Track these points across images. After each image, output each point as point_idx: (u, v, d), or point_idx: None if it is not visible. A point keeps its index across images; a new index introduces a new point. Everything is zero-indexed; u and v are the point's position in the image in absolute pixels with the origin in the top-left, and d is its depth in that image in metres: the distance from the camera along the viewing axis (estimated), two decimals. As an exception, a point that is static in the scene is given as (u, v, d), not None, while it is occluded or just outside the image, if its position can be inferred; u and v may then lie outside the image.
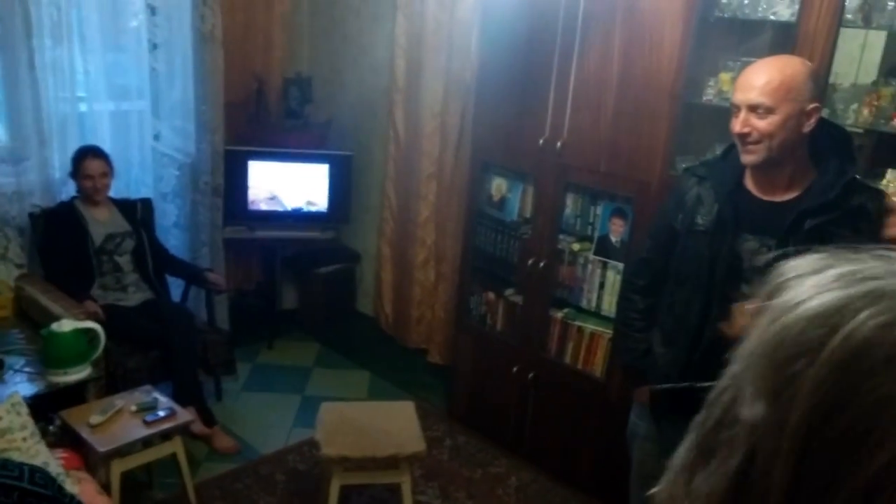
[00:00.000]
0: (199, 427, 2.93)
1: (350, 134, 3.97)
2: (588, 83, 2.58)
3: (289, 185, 3.80)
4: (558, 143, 2.68)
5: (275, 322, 4.00)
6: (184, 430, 2.65)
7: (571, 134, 2.66)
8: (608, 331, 2.71)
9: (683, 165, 2.19)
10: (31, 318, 2.87)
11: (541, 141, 2.73)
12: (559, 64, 2.64)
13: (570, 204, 2.81)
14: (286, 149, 3.76)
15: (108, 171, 3.05)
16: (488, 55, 2.96)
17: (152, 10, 3.48)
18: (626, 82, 2.48)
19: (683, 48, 2.28)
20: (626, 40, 2.45)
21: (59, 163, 3.16)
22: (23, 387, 2.48)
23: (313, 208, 3.81)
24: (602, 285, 2.74)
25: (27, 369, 2.59)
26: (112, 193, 3.19)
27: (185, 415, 2.59)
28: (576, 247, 2.80)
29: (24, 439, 2.08)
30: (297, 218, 3.84)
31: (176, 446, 2.54)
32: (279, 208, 3.81)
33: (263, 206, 3.76)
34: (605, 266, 2.72)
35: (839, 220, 1.62)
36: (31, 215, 3.06)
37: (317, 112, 3.95)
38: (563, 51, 2.63)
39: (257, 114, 3.81)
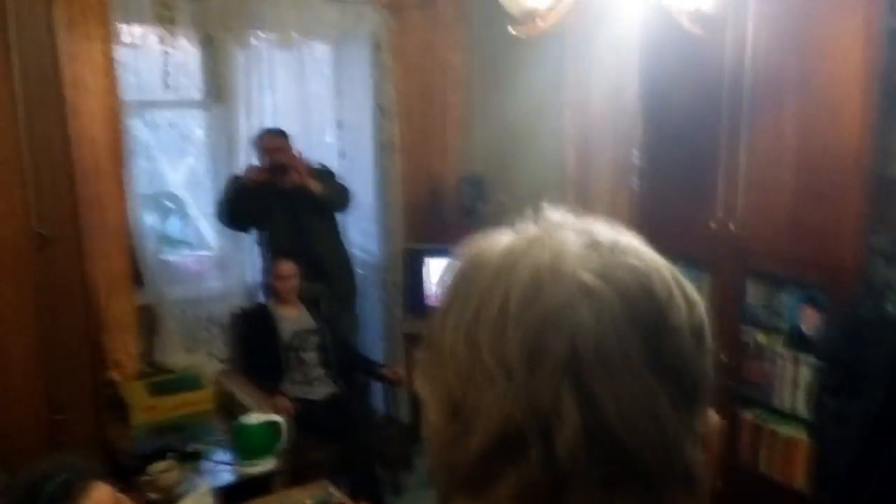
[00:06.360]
0: (372, 523, 2.96)
1: (522, 227, 4.00)
2: (761, 160, 2.39)
3: (463, 280, 3.88)
4: (732, 226, 2.49)
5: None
6: (356, 526, 2.69)
7: (746, 215, 2.46)
8: (806, 436, 2.37)
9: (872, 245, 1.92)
10: (230, 411, 3.13)
11: (713, 224, 2.55)
12: (727, 141, 2.48)
13: (752, 292, 2.57)
14: (461, 245, 3.87)
15: (298, 273, 3.33)
16: (652, 140, 2.87)
17: (340, 125, 3.85)
18: (804, 156, 2.26)
19: (868, 115, 2.04)
20: (802, 111, 2.25)
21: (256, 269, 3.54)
22: (216, 477, 2.69)
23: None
24: (796, 383, 2.43)
25: (221, 460, 2.81)
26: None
27: (355, 511, 2.63)
28: (762, 339, 2.53)
29: (209, 528, 2.24)
30: (472, 311, 3.88)
31: (346, 542, 2.58)
32: (452, 303, 3.89)
33: (437, 302, 3.85)
34: (797, 361, 2.41)
35: None
36: (231, 314, 3.41)
37: (489, 209, 4.04)
38: (730, 127, 2.47)
39: (433, 213, 3.99)
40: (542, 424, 0.39)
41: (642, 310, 0.42)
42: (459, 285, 0.47)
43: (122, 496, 1.49)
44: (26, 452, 2.39)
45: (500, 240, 0.48)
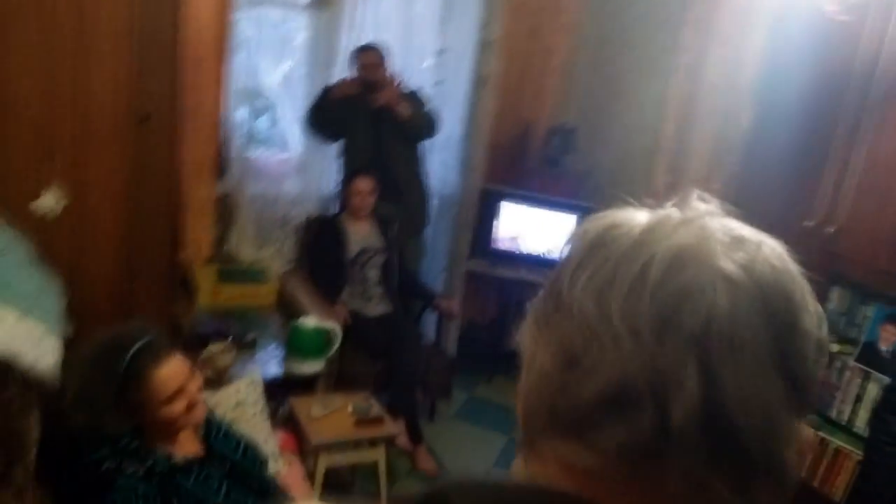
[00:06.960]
0: (403, 441, 3.05)
1: (605, 189, 3.92)
2: (876, 164, 2.26)
3: (533, 230, 3.86)
4: (830, 229, 2.38)
5: (499, 359, 4.06)
6: (389, 441, 2.78)
7: (847, 220, 2.35)
8: (858, 451, 2.31)
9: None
10: (288, 310, 3.24)
11: (809, 222, 2.44)
12: (843, 138, 2.35)
13: (835, 299, 2.47)
14: (539, 194, 3.83)
15: (374, 190, 3.36)
16: (761, 123, 2.74)
17: (440, 53, 3.80)
18: (926, 169, 2.13)
19: None
20: (934, 121, 2.11)
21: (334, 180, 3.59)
22: (267, 368, 2.81)
23: (551, 255, 3.82)
24: (859, 398, 2.35)
25: (274, 353, 2.93)
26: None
27: (391, 427, 2.72)
28: (835, 347, 2.45)
29: (254, 414, 2.35)
30: (535, 262, 3.87)
31: (378, 454, 2.68)
32: (516, 250, 3.88)
33: (503, 246, 3.86)
34: (866, 376, 2.34)
35: None
36: (304, 219, 3.49)
37: (575, 162, 3.96)
38: (850, 124, 2.33)
39: (518, 157, 3.94)
40: (661, 390, 0.41)
41: (778, 308, 0.44)
42: (595, 247, 0.48)
43: (195, 369, 1.57)
44: (99, 313, 2.54)
45: (640, 216, 0.49)
